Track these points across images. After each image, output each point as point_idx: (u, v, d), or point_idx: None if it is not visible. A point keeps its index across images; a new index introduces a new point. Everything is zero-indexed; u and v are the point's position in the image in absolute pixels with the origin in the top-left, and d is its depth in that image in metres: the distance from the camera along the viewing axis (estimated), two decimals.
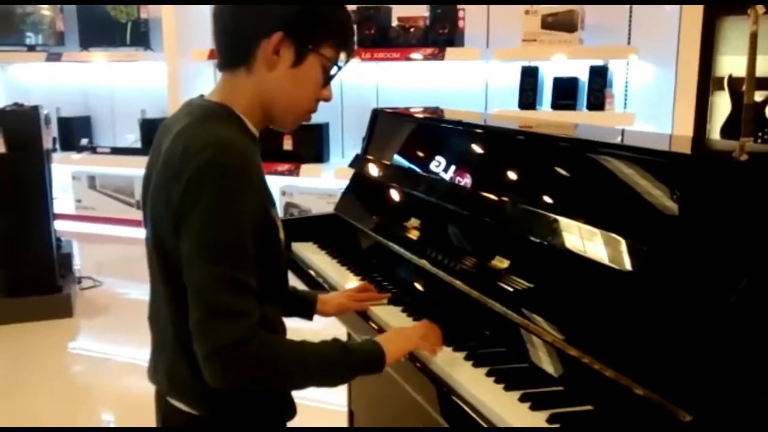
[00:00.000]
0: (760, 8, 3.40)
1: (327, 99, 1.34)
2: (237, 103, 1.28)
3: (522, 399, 1.19)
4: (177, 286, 1.20)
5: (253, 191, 1.19)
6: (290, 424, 1.40)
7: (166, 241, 1.21)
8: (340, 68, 1.32)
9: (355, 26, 4.65)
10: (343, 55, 1.32)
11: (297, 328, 1.36)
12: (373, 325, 1.60)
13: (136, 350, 3.49)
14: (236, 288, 1.14)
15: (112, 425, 3.04)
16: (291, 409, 1.38)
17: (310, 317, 1.65)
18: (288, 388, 1.34)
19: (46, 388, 3.29)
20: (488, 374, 1.29)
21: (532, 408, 1.16)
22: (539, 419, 1.13)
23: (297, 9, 1.25)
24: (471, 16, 4.41)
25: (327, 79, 1.31)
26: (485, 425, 1.17)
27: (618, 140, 1.80)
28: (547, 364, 1.29)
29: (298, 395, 1.39)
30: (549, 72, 4.30)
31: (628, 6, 4.17)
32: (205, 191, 1.14)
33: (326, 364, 1.25)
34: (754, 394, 0.99)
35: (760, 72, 3.52)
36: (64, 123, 5.75)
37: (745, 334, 1.01)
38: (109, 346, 3.74)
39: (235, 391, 1.24)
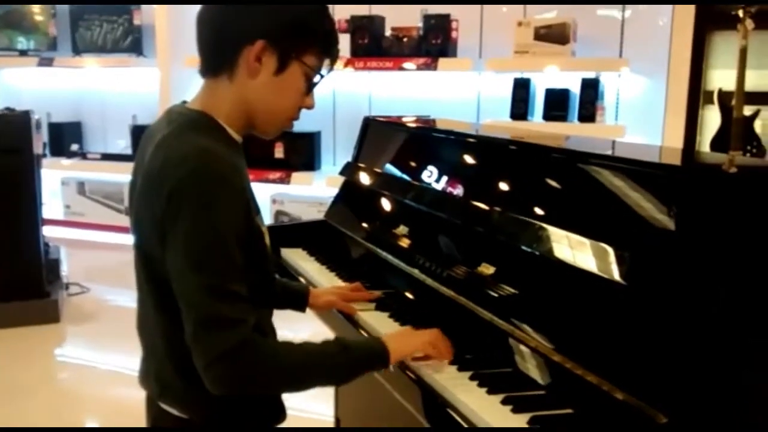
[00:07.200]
0: (750, 24, 3.43)
1: (309, 107, 1.33)
2: (218, 110, 1.27)
3: (504, 402, 1.20)
4: (163, 293, 1.20)
5: (236, 199, 1.19)
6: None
7: (152, 250, 1.22)
8: (322, 76, 1.31)
9: (349, 35, 4.54)
10: (327, 63, 1.31)
11: (288, 336, 1.36)
12: (361, 331, 1.59)
13: (124, 357, 3.47)
14: (226, 297, 1.14)
15: None
16: (281, 413, 1.39)
17: (302, 309, 1.66)
18: (290, 390, 1.33)
19: (32, 393, 3.25)
20: (472, 378, 1.30)
21: (514, 411, 1.17)
22: (520, 421, 1.15)
23: (280, 16, 1.24)
24: (464, 27, 4.43)
25: (309, 86, 1.30)
26: (467, 427, 1.18)
27: (608, 151, 1.80)
28: (530, 368, 1.29)
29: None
30: (541, 83, 4.32)
31: (620, 19, 4.20)
32: (188, 203, 1.14)
33: (329, 364, 1.25)
34: (726, 398, 1.01)
35: (749, 86, 3.55)
36: (55, 128, 5.71)
37: (722, 343, 1.03)
38: (96, 352, 3.71)
39: (226, 395, 1.24)
